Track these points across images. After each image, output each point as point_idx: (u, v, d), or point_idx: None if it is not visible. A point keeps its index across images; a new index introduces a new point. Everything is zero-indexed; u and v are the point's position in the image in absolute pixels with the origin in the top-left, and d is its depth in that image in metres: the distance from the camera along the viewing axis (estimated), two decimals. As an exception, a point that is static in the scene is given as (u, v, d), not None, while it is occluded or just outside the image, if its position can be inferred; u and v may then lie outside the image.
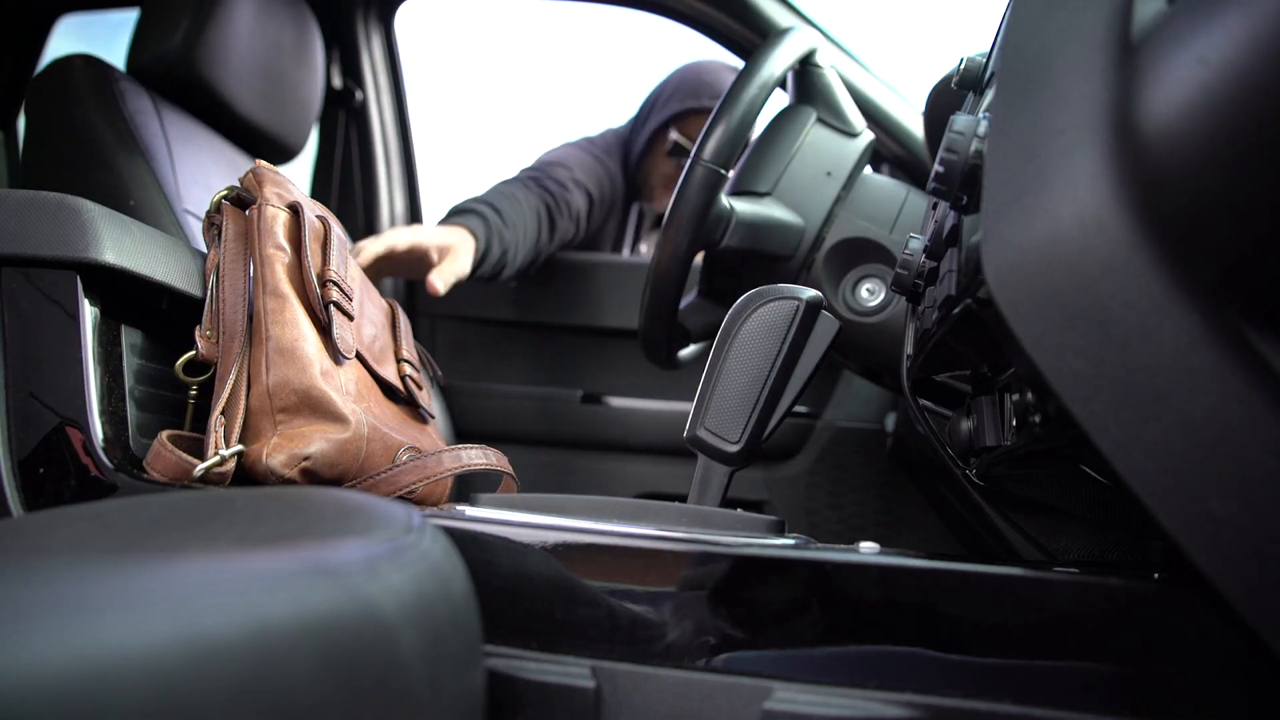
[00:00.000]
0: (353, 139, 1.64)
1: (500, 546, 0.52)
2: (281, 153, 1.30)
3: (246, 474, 0.71)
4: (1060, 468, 0.52)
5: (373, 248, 1.12)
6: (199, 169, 1.11)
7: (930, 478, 1.22)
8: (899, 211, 0.99)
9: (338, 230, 0.83)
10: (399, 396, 0.88)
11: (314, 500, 0.46)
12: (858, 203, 1.00)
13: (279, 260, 0.76)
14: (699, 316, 1.08)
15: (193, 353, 0.73)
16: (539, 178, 1.42)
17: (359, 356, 0.82)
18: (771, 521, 0.56)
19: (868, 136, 1.05)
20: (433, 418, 0.93)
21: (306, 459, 0.71)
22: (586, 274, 1.55)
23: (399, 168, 1.68)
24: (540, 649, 0.50)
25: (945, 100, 0.98)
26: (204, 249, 0.79)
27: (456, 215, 1.25)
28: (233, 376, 0.72)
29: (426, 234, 1.16)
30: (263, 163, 0.81)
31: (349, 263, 0.84)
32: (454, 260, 1.16)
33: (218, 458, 0.68)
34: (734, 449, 0.59)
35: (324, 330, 0.77)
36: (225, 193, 0.79)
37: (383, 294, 1.11)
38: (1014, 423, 0.50)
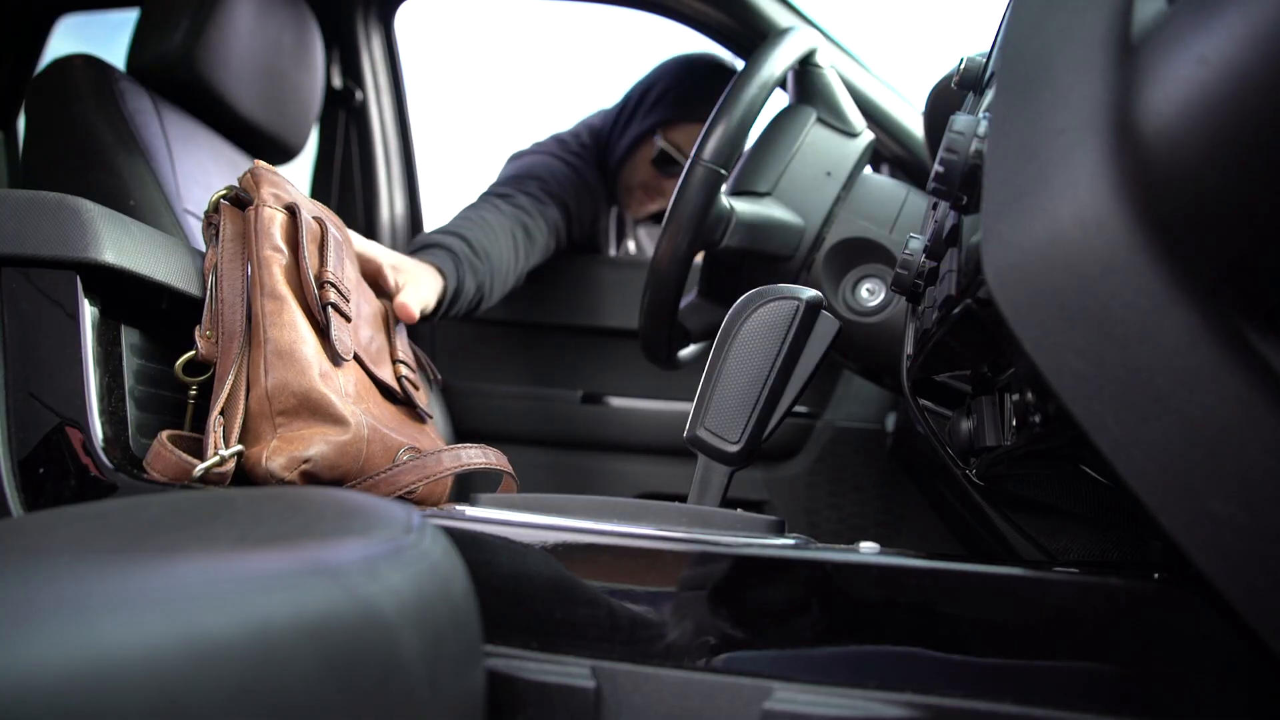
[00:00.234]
0: (353, 139, 1.64)
1: (500, 546, 0.52)
2: (281, 153, 1.30)
3: (247, 476, 0.71)
4: (1060, 468, 0.52)
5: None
6: (199, 169, 1.11)
7: (930, 478, 1.22)
8: (899, 211, 0.99)
9: (334, 231, 0.83)
10: (396, 398, 0.88)
11: (314, 500, 0.46)
12: (858, 203, 1.00)
13: (276, 262, 0.76)
14: (699, 316, 1.08)
15: (192, 353, 0.73)
16: (510, 194, 1.31)
17: (356, 358, 0.82)
18: (771, 521, 0.56)
19: (868, 136, 1.05)
20: (430, 417, 0.93)
21: (306, 461, 0.70)
22: (586, 274, 1.55)
23: (399, 168, 1.68)
24: (540, 649, 0.50)
25: (945, 100, 0.98)
26: (204, 249, 0.79)
27: (422, 250, 1.10)
28: (231, 377, 0.72)
29: (385, 252, 1.00)
30: (261, 163, 0.81)
31: (345, 264, 0.84)
32: (417, 287, 1.00)
33: (217, 458, 0.68)
34: (734, 449, 0.59)
35: (322, 332, 0.77)
36: (224, 192, 0.78)
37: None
38: (1014, 423, 0.50)
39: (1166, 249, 0.34)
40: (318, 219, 0.82)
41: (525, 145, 1.51)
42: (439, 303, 1.06)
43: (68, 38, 1.56)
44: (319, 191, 1.65)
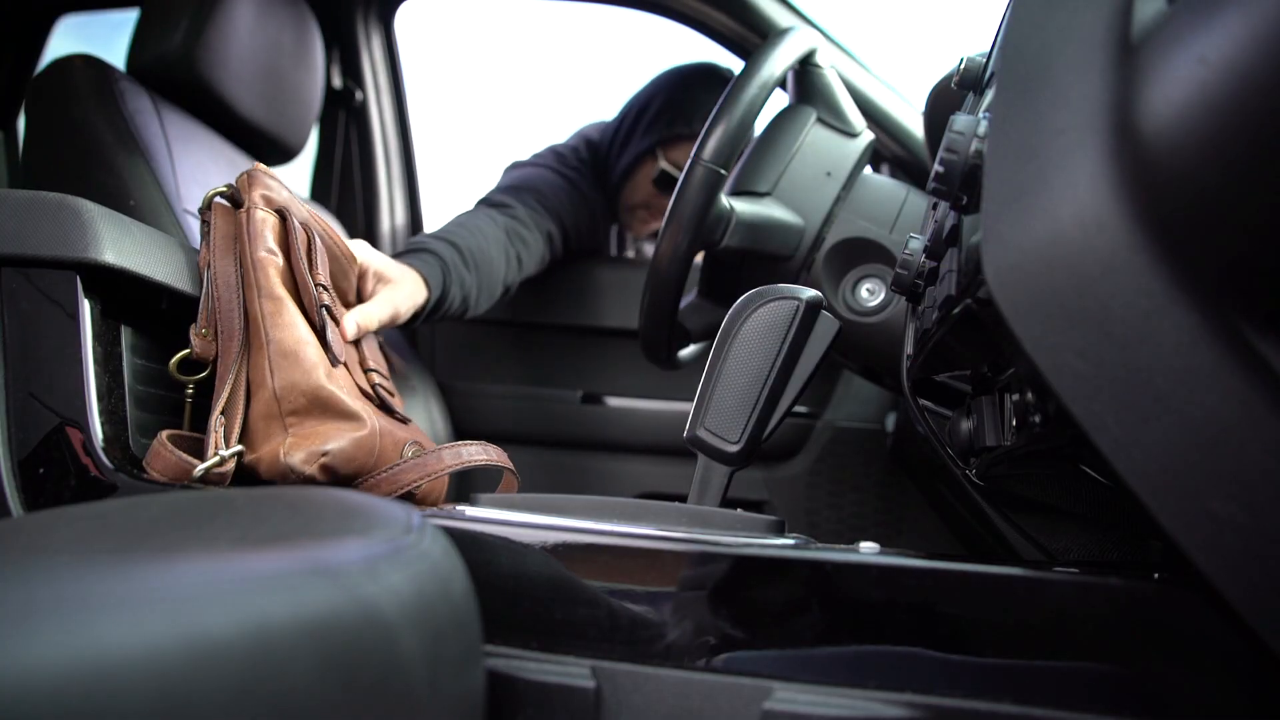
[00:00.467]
0: (353, 139, 1.64)
1: (500, 546, 0.52)
2: (281, 153, 1.30)
3: (260, 476, 0.71)
4: (1060, 468, 0.52)
5: None
6: (199, 169, 1.11)
7: (930, 478, 1.22)
8: (899, 211, 0.99)
9: (319, 236, 0.83)
10: (374, 403, 0.86)
11: (314, 500, 0.46)
12: (858, 203, 1.00)
13: (271, 264, 0.76)
14: (699, 316, 1.08)
15: (187, 351, 0.73)
16: (506, 204, 1.30)
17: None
18: (771, 521, 0.56)
19: (868, 136, 1.05)
20: (409, 421, 0.91)
21: (325, 455, 0.70)
22: (586, 274, 1.55)
23: (399, 168, 1.68)
24: (540, 649, 0.50)
25: (945, 100, 0.98)
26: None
27: (411, 254, 1.07)
28: (232, 376, 0.72)
29: (374, 258, 0.96)
30: (260, 165, 0.81)
31: (328, 269, 0.84)
32: (391, 293, 0.96)
33: (217, 458, 0.69)
34: (734, 449, 0.59)
35: (319, 333, 0.77)
36: (219, 190, 0.78)
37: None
38: (1014, 423, 0.50)
39: (1166, 249, 0.34)
40: (304, 224, 0.81)
41: (524, 156, 1.49)
42: (419, 311, 1.03)
43: (68, 38, 1.56)
44: (319, 191, 1.65)
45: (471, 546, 0.51)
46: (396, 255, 1.06)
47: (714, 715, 0.47)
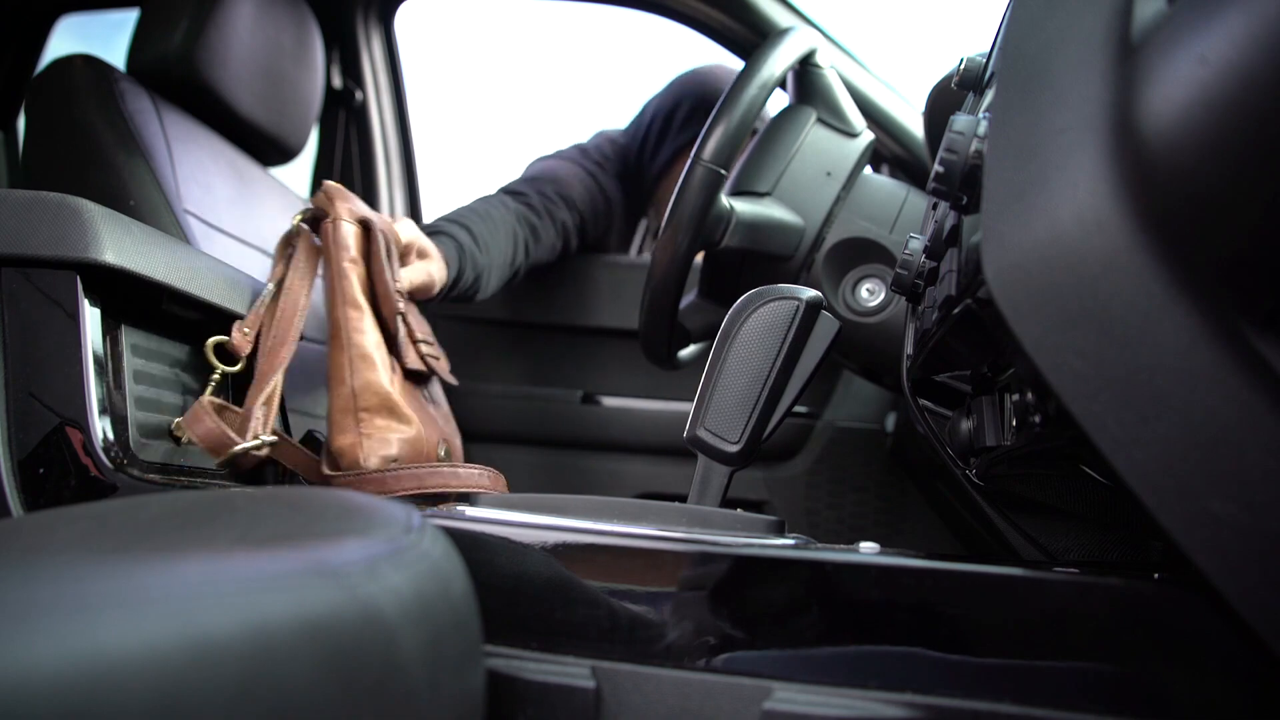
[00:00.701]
0: (353, 139, 1.64)
1: (500, 546, 0.52)
2: (281, 153, 1.29)
3: (332, 457, 0.82)
4: (1060, 468, 0.52)
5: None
6: (199, 169, 1.11)
7: (930, 478, 1.22)
8: (899, 211, 0.99)
9: (384, 241, 0.90)
10: (423, 377, 0.96)
11: (314, 500, 0.46)
12: (858, 203, 1.00)
13: (354, 273, 0.84)
14: (699, 316, 1.08)
15: (225, 339, 0.81)
16: (522, 193, 1.34)
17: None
18: (771, 521, 0.56)
19: (868, 136, 1.05)
20: (455, 383, 1.03)
21: (393, 460, 0.82)
22: (586, 274, 1.55)
23: (399, 168, 1.68)
24: (540, 649, 0.50)
25: (945, 100, 0.98)
26: (203, 249, 0.79)
27: (430, 236, 1.11)
28: (277, 376, 0.80)
29: (415, 235, 1.02)
30: (330, 183, 0.88)
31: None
32: (427, 265, 1.03)
33: (257, 441, 0.75)
34: (734, 449, 0.59)
35: (392, 338, 0.87)
36: (302, 215, 0.86)
37: None
38: (1014, 423, 0.50)
39: (1166, 249, 0.34)
40: (384, 232, 0.89)
41: (548, 150, 1.55)
42: (442, 287, 1.09)
43: (68, 38, 1.56)
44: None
45: (471, 546, 0.51)
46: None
47: (714, 715, 0.47)
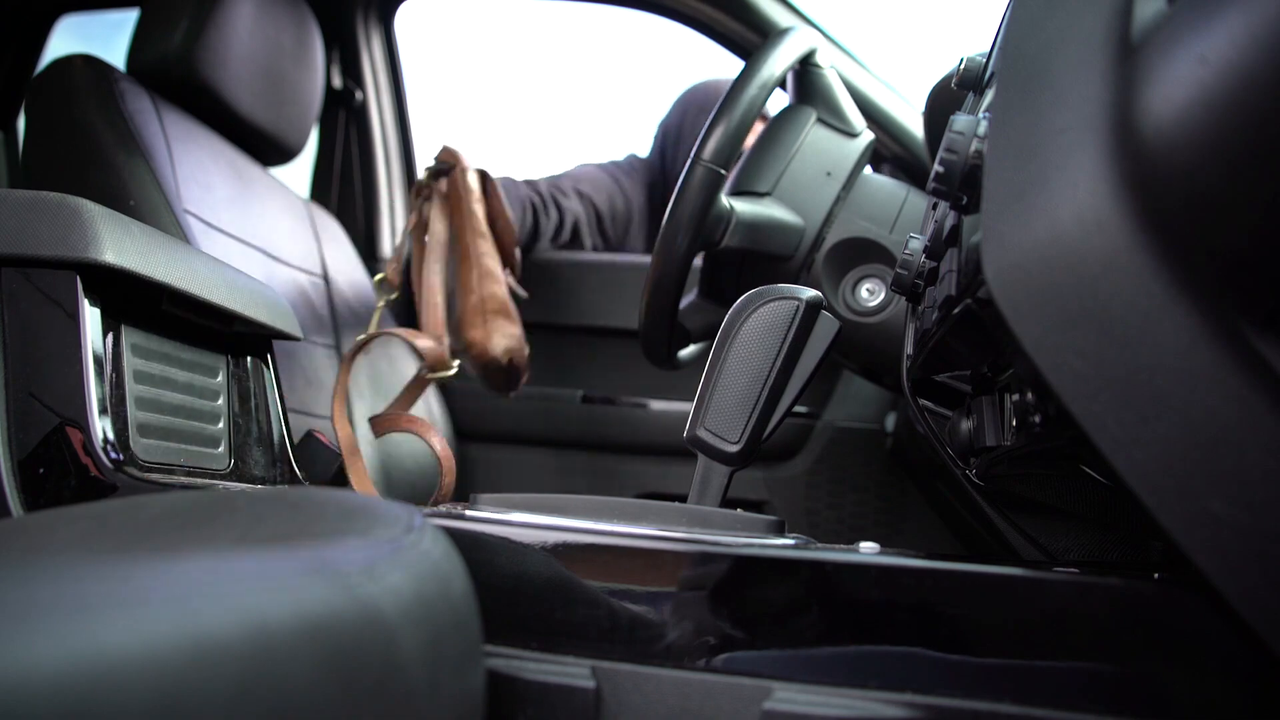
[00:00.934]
0: (353, 139, 1.64)
1: (500, 546, 0.52)
2: (281, 153, 1.29)
3: (472, 355, 1.18)
4: (1060, 468, 0.52)
5: None
6: (199, 169, 1.11)
7: (930, 478, 1.22)
8: (899, 211, 0.99)
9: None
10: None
11: (314, 500, 0.46)
12: (858, 203, 1.00)
13: (480, 211, 1.18)
14: (699, 316, 1.08)
15: (383, 275, 1.15)
16: (533, 181, 1.55)
17: None
18: (771, 521, 0.56)
19: (868, 136, 1.05)
20: (525, 295, 1.31)
21: (511, 349, 1.18)
22: (586, 274, 1.55)
23: (399, 168, 1.68)
24: (540, 649, 0.50)
25: (945, 100, 0.98)
26: (203, 248, 0.79)
27: None
28: (439, 299, 1.13)
29: None
30: (448, 145, 1.20)
31: None
32: None
33: (455, 366, 1.08)
34: (734, 449, 0.59)
35: (509, 258, 1.23)
36: (429, 171, 1.20)
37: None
38: (1014, 423, 0.50)
39: (1167, 249, 0.34)
40: (497, 180, 1.23)
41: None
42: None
43: (68, 38, 1.56)
44: (319, 192, 1.65)
45: (471, 546, 0.51)
46: None
47: (714, 715, 0.47)
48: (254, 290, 0.85)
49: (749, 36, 1.39)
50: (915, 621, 0.46)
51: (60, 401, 0.67)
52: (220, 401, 0.81)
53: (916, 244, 0.63)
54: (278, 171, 1.36)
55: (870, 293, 0.99)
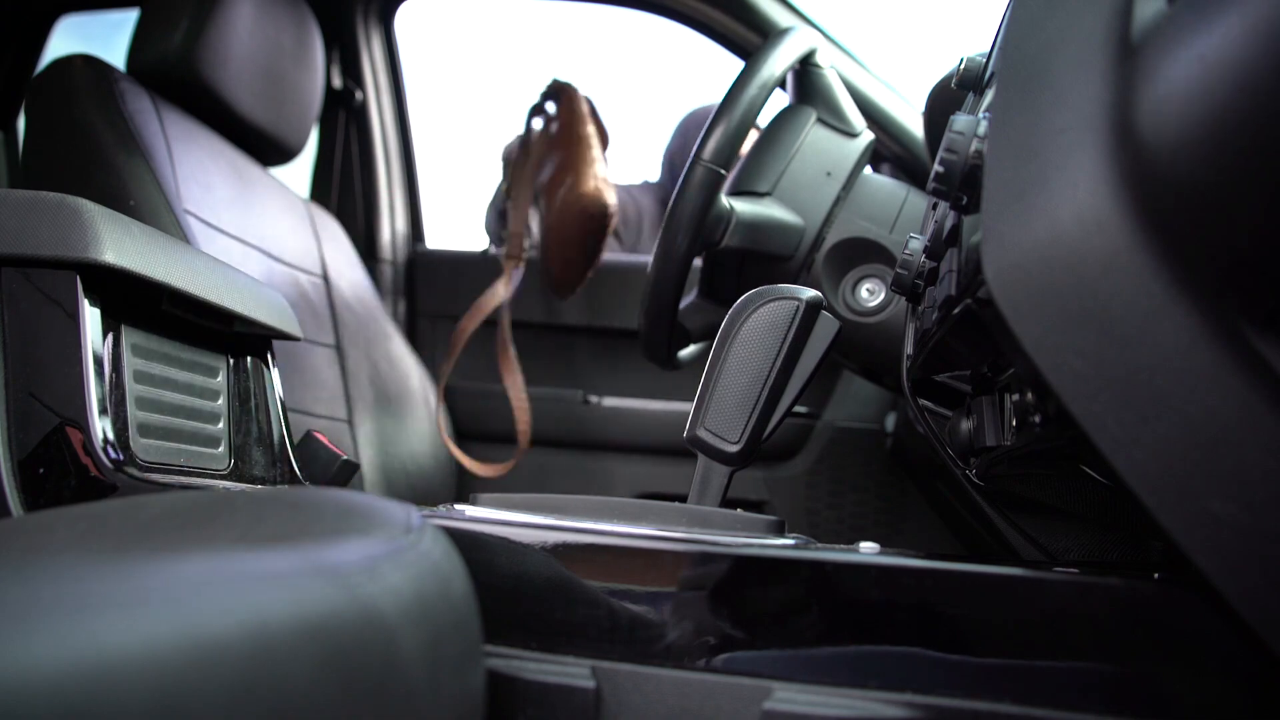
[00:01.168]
0: (353, 139, 1.64)
1: (500, 546, 0.52)
2: (281, 153, 1.29)
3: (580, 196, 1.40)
4: (1060, 468, 0.52)
5: None
6: (199, 169, 1.11)
7: (930, 478, 1.22)
8: (899, 211, 0.99)
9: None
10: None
11: (314, 500, 0.46)
12: (858, 203, 1.00)
13: (590, 123, 1.45)
14: (699, 316, 1.08)
15: (506, 183, 1.50)
16: None
17: None
18: (771, 521, 0.56)
19: (868, 136, 1.05)
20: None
21: (615, 205, 1.41)
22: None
23: (399, 168, 1.68)
24: (540, 649, 0.50)
25: (945, 100, 0.98)
26: (203, 248, 0.79)
27: None
28: (527, 208, 1.46)
29: None
30: (559, 79, 1.48)
31: None
32: None
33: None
34: (734, 449, 0.59)
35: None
36: (540, 96, 1.49)
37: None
38: (1014, 423, 0.50)
39: (1167, 249, 0.34)
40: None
41: None
42: None
43: (68, 38, 1.56)
44: (319, 192, 1.65)
45: (471, 546, 0.51)
46: None
47: (714, 715, 0.47)
48: (254, 290, 0.85)
49: (749, 36, 1.39)
50: (915, 621, 0.46)
51: (60, 401, 0.67)
52: (220, 401, 0.81)
53: (916, 244, 0.63)
54: (278, 171, 1.36)
55: (870, 293, 0.99)
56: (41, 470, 0.67)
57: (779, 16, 1.37)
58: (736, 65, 1.49)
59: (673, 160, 1.77)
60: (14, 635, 0.25)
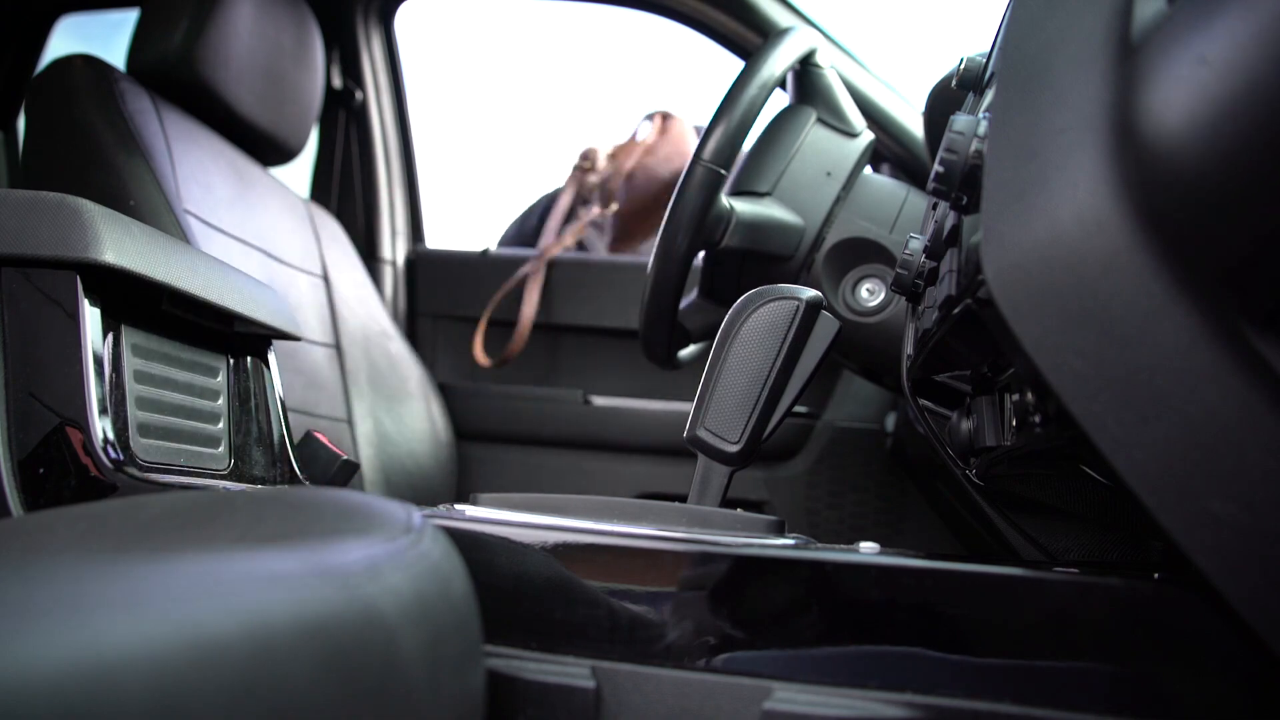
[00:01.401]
0: (353, 139, 1.64)
1: (500, 546, 0.52)
2: (281, 153, 1.29)
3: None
4: (1060, 468, 0.52)
5: None
6: (199, 169, 1.11)
7: (930, 478, 1.22)
8: (899, 211, 0.99)
9: None
10: None
11: (314, 500, 0.46)
12: (858, 203, 1.00)
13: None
14: (699, 316, 1.08)
15: (598, 178, 1.65)
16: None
17: None
18: (771, 521, 0.56)
19: (868, 136, 1.05)
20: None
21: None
22: (586, 274, 1.55)
23: (399, 168, 1.68)
24: (540, 649, 0.50)
25: (945, 100, 0.98)
26: (203, 248, 0.79)
27: None
28: (622, 184, 1.62)
29: None
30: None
31: None
32: None
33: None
34: (734, 449, 0.59)
35: None
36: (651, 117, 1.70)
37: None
38: (1014, 423, 0.50)
39: (1167, 249, 0.34)
40: None
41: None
42: None
43: (68, 38, 1.56)
44: (319, 192, 1.65)
45: (471, 546, 0.51)
46: None
47: (714, 715, 0.47)
48: (254, 290, 0.85)
49: (749, 36, 1.39)
50: (915, 621, 0.46)
51: (60, 401, 0.67)
52: (220, 401, 0.82)
53: (916, 244, 0.63)
54: (278, 171, 1.36)
55: (870, 293, 0.99)
56: (41, 470, 0.67)
57: (779, 16, 1.37)
58: (736, 65, 1.49)
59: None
60: (14, 635, 0.25)
